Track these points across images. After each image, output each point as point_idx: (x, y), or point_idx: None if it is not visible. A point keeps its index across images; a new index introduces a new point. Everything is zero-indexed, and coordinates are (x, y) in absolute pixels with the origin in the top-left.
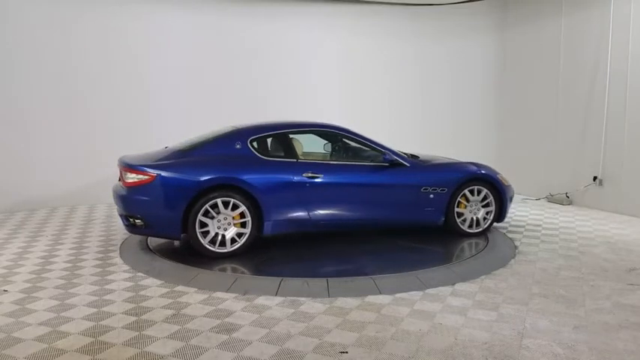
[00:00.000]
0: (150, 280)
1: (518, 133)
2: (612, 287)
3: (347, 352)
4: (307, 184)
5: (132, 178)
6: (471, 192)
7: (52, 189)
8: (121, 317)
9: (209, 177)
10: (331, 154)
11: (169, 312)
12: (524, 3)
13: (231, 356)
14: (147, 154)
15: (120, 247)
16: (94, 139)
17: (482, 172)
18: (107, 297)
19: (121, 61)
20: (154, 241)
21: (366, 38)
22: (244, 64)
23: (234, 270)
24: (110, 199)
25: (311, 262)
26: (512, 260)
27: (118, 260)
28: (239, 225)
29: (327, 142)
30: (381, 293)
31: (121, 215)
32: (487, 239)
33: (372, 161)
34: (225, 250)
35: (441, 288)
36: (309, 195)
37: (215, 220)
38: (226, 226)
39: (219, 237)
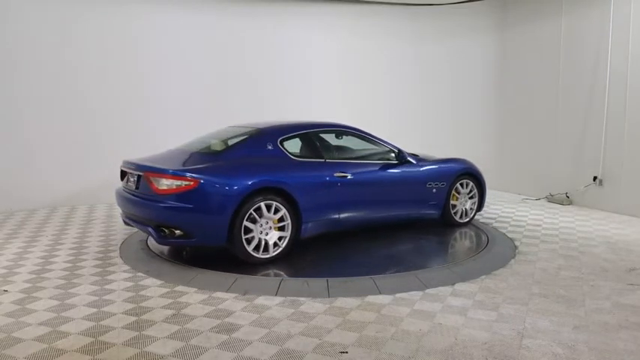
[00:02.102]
0: (150, 280)
1: (518, 132)
2: (612, 287)
3: (347, 352)
4: (338, 184)
5: (168, 184)
6: (461, 185)
7: (52, 189)
8: (121, 317)
9: (256, 180)
10: (348, 154)
11: (169, 312)
12: (524, 3)
13: (231, 356)
14: (160, 157)
15: (120, 247)
16: (94, 139)
17: (471, 166)
18: (107, 297)
19: (121, 61)
20: (154, 241)
21: (366, 38)
22: (244, 64)
23: (276, 275)
24: (110, 199)
25: (360, 261)
26: (512, 260)
27: (118, 260)
28: (277, 229)
29: (339, 141)
30: (381, 293)
31: (144, 225)
32: (487, 239)
33: (383, 159)
34: (269, 256)
35: (441, 288)
36: (340, 195)
37: (258, 225)
38: (267, 230)
39: (263, 242)
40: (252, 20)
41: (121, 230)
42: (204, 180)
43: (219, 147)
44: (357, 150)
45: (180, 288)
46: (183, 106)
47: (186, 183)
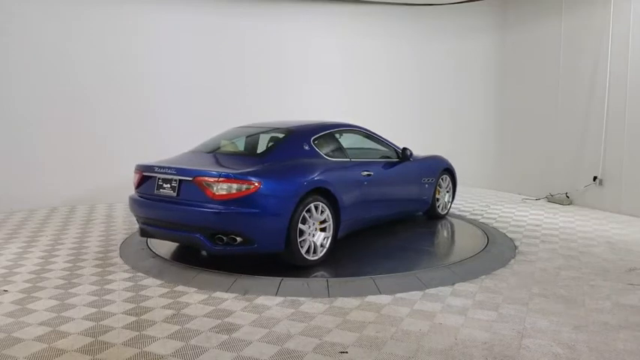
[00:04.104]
0: (150, 280)
1: (518, 132)
2: (612, 287)
3: (347, 352)
4: (365, 183)
5: (226, 188)
6: (441, 180)
7: (52, 189)
8: (121, 317)
9: (309, 181)
10: (364, 153)
11: (169, 312)
12: (524, 3)
13: (231, 356)
14: (191, 160)
15: (120, 247)
16: (94, 140)
17: (449, 163)
18: (107, 297)
19: (122, 60)
20: (154, 241)
21: (366, 38)
22: (244, 64)
23: (323, 275)
24: (110, 199)
25: (399, 256)
26: (512, 260)
27: (118, 260)
28: (320, 230)
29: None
30: (381, 293)
31: (188, 233)
32: (487, 239)
33: (387, 157)
34: (317, 257)
35: (441, 288)
36: (366, 193)
37: (307, 227)
38: (313, 232)
39: (312, 244)
40: (253, 20)
41: (121, 230)
42: (265, 182)
43: (258, 148)
44: (369, 149)
45: (180, 288)
46: (183, 106)
47: (247, 186)
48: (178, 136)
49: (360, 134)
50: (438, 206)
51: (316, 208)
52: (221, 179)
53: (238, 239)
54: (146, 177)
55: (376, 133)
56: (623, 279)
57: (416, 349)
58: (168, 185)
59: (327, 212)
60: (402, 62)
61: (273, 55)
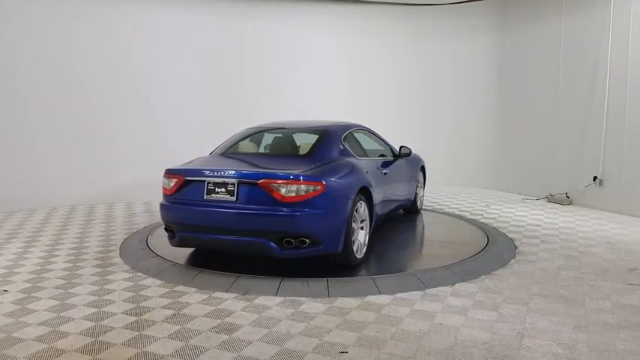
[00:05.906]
0: (150, 280)
1: (518, 132)
2: (612, 287)
3: (347, 352)
4: (385, 180)
5: (295, 190)
6: (419, 177)
7: (52, 189)
8: (121, 317)
9: (359, 180)
10: (373, 152)
11: (169, 312)
12: (524, 3)
13: (231, 356)
14: (229, 163)
15: (120, 247)
16: (94, 140)
17: (423, 160)
18: (107, 297)
19: (122, 61)
20: (154, 241)
21: (366, 38)
22: (243, 64)
23: (363, 274)
24: (109, 199)
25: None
26: (512, 260)
27: (118, 260)
28: (360, 228)
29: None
30: (381, 293)
31: (252, 238)
32: (487, 239)
33: (386, 155)
34: (361, 255)
35: (441, 288)
36: (385, 190)
37: (355, 225)
38: (358, 230)
39: (358, 242)
40: (253, 20)
41: (121, 230)
42: (328, 183)
43: (298, 149)
44: (374, 148)
45: (180, 288)
46: (183, 106)
47: (314, 188)
48: (178, 135)
49: (365, 133)
50: (417, 201)
51: (360, 206)
52: (291, 181)
53: (307, 241)
54: (187, 182)
55: (376, 132)
56: (623, 279)
57: (416, 349)
58: (223, 189)
59: (367, 211)
60: (402, 62)
61: (273, 55)
